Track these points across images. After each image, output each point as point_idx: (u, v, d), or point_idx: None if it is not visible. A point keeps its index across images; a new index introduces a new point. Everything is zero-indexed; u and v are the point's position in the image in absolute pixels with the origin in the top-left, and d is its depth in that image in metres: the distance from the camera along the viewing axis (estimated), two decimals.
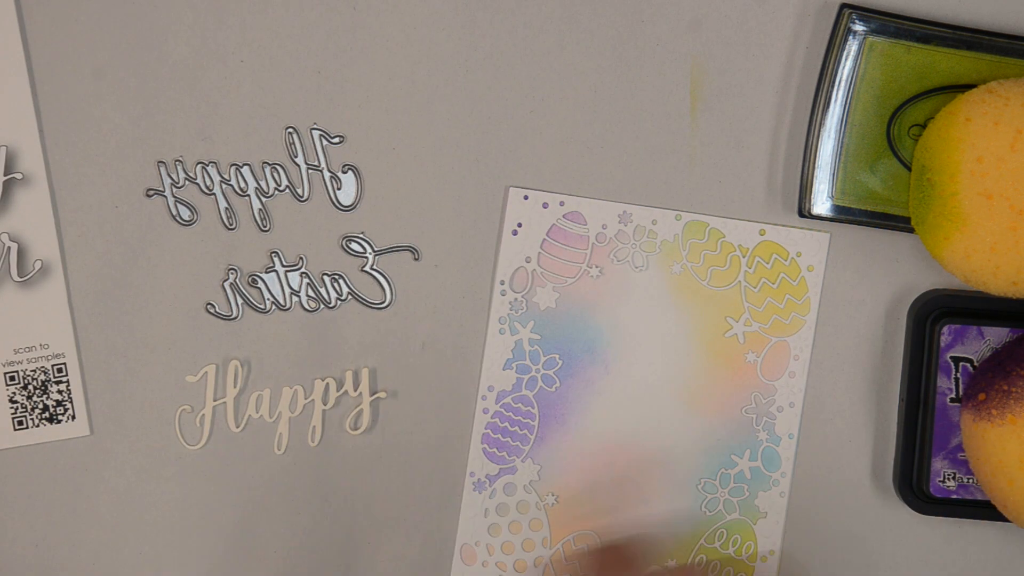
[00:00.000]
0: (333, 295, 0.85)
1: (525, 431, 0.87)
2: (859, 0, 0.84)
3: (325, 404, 0.85)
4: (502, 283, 0.86)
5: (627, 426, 0.87)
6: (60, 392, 0.85)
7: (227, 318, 0.85)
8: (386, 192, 0.85)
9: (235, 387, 0.85)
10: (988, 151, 0.78)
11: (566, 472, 0.87)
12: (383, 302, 0.86)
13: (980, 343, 0.86)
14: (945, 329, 0.85)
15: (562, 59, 0.85)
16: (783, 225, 0.86)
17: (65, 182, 0.84)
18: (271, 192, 0.85)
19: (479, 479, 0.87)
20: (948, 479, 0.86)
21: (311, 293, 0.85)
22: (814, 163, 0.84)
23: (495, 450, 0.87)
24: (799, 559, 0.88)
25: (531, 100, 0.85)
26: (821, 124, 0.84)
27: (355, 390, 0.85)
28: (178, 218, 0.85)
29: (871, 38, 0.83)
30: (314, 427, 0.86)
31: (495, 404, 0.86)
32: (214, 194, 0.85)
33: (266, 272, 0.85)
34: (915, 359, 0.86)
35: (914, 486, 0.86)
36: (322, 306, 0.85)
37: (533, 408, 0.87)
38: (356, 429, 0.86)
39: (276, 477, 0.86)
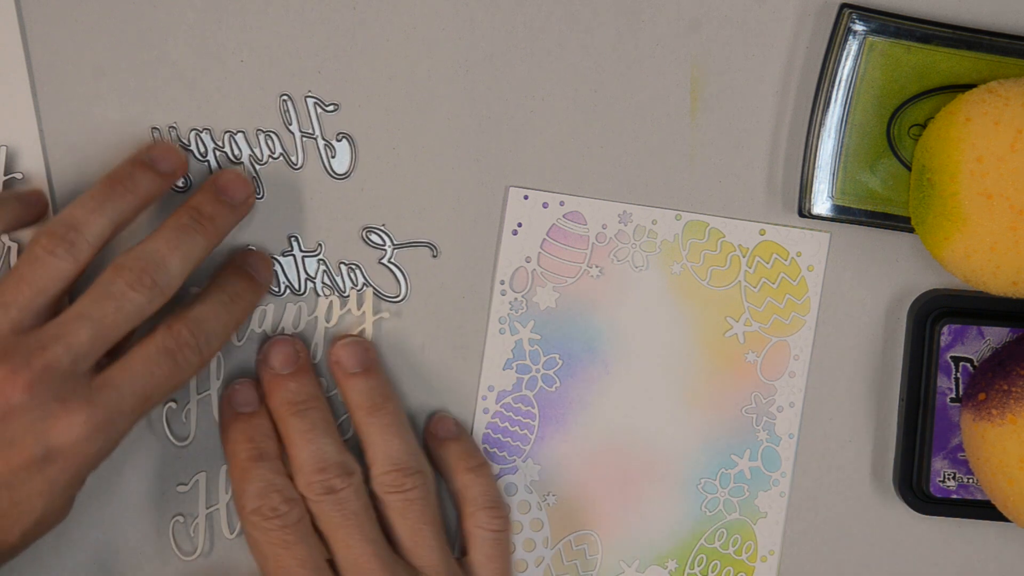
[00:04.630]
0: (348, 284, 0.85)
1: (525, 431, 0.87)
2: (859, 0, 0.84)
3: (328, 322, 0.85)
4: (502, 283, 0.86)
5: (627, 426, 0.87)
6: None
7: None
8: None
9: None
10: (988, 151, 0.78)
11: (566, 472, 0.87)
12: (398, 296, 0.85)
13: (980, 343, 0.86)
14: (945, 329, 0.85)
15: (562, 59, 0.85)
16: (783, 225, 0.86)
17: (65, 182, 0.84)
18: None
19: None
20: (948, 479, 0.86)
21: (326, 280, 0.85)
22: (814, 163, 0.84)
23: (495, 450, 0.87)
24: (799, 559, 0.88)
25: (531, 100, 0.85)
26: (821, 124, 0.84)
27: (358, 309, 0.85)
28: None
29: (871, 38, 0.83)
30: (316, 344, 0.85)
31: (495, 404, 0.86)
32: None
33: (283, 256, 0.85)
34: (915, 359, 0.86)
35: (914, 486, 0.86)
36: (335, 294, 0.85)
37: (533, 408, 0.87)
38: None
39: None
